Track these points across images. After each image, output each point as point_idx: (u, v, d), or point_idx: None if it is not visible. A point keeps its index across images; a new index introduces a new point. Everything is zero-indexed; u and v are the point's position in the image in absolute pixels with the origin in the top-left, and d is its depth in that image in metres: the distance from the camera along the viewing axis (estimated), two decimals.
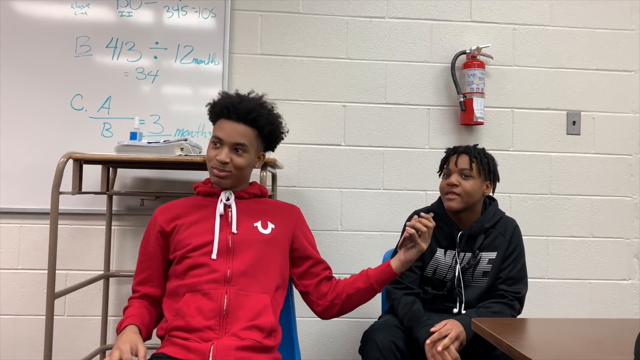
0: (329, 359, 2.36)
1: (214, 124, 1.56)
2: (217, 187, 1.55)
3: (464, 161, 1.77)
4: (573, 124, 2.47)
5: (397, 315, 1.77)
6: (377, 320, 1.87)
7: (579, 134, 2.47)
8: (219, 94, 1.58)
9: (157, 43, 2.32)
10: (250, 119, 1.50)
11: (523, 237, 1.85)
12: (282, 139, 1.63)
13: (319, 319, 1.61)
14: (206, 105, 1.58)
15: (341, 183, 2.39)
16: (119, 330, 1.38)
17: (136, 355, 1.28)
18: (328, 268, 1.61)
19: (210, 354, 1.31)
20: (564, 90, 2.48)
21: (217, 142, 1.51)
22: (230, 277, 1.41)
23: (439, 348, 1.56)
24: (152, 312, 1.47)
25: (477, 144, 1.85)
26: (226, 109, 1.49)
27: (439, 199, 1.86)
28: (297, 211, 1.64)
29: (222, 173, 1.50)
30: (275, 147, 1.63)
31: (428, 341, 1.59)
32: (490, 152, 1.87)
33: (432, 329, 1.61)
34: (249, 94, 1.57)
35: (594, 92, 2.49)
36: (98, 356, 2.18)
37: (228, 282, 1.41)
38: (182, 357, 1.32)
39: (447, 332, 1.59)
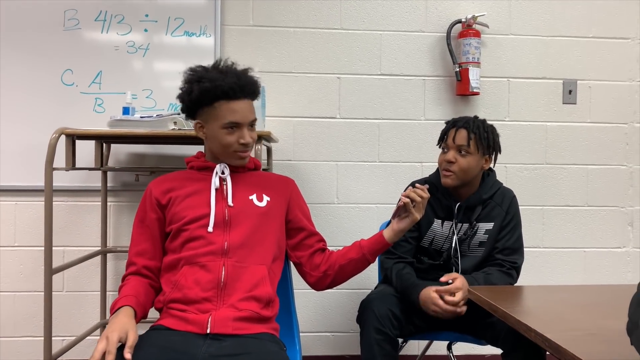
0: (327, 329, 2.39)
1: (199, 107, 1.46)
2: (240, 165, 1.53)
3: (462, 137, 1.72)
4: (569, 93, 2.46)
5: (391, 284, 1.78)
6: (373, 290, 1.89)
7: (575, 103, 2.46)
8: (187, 73, 1.48)
9: (147, 16, 2.28)
10: (252, 92, 1.49)
11: (519, 207, 1.85)
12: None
13: None
14: (190, 92, 1.45)
15: (337, 156, 2.38)
16: (113, 311, 1.34)
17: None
18: (322, 240, 1.62)
19: (208, 325, 1.32)
20: (560, 59, 2.45)
21: (233, 126, 1.46)
22: (227, 249, 1.42)
23: (449, 298, 1.60)
24: (148, 289, 1.44)
25: (477, 116, 1.79)
26: (232, 90, 1.44)
27: (437, 170, 1.85)
28: (292, 183, 1.64)
29: (247, 153, 1.52)
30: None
31: (434, 289, 1.63)
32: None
33: (442, 279, 1.64)
34: (218, 64, 1.50)
35: (591, 60, 2.46)
36: (98, 330, 2.20)
37: (225, 254, 1.41)
38: (181, 329, 1.33)
39: (456, 289, 1.62)
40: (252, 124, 1.51)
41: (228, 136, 1.47)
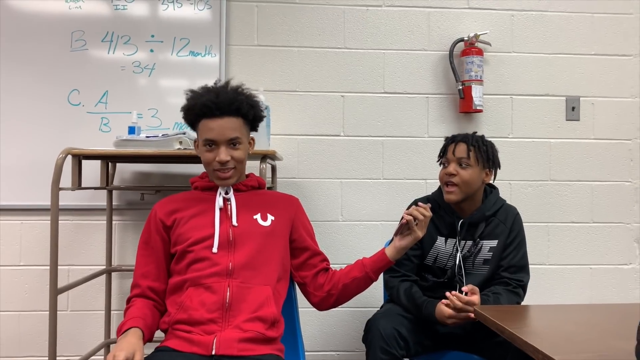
0: (333, 349, 2.37)
1: (193, 125, 1.52)
2: (223, 184, 1.52)
3: (461, 150, 1.75)
4: (572, 109, 2.46)
5: (397, 303, 1.77)
6: (379, 309, 1.88)
7: (578, 120, 2.47)
8: (186, 93, 1.52)
9: (152, 36, 2.31)
10: (234, 110, 1.46)
11: (524, 224, 1.85)
12: (264, 116, 1.60)
13: None
14: (181, 110, 1.53)
15: (341, 173, 2.39)
16: (120, 332, 1.34)
17: None
18: (325, 260, 1.62)
19: (214, 347, 1.31)
20: (562, 76, 2.47)
21: (210, 144, 1.47)
22: (232, 270, 1.42)
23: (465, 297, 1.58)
24: (154, 312, 1.45)
25: (476, 132, 1.83)
26: (207, 107, 1.45)
27: (439, 188, 1.86)
28: (296, 202, 1.64)
29: (227, 173, 1.48)
30: (258, 126, 1.60)
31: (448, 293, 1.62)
32: (489, 139, 1.84)
33: (464, 289, 1.62)
34: (215, 84, 1.53)
35: (593, 77, 2.48)
36: (102, 350, 2.19)
37: (230, 275, 1.41)
38: (186, 350, 1.33)
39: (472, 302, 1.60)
40: (234, 142, 1.47)
41: (207, 154, 1.48)
